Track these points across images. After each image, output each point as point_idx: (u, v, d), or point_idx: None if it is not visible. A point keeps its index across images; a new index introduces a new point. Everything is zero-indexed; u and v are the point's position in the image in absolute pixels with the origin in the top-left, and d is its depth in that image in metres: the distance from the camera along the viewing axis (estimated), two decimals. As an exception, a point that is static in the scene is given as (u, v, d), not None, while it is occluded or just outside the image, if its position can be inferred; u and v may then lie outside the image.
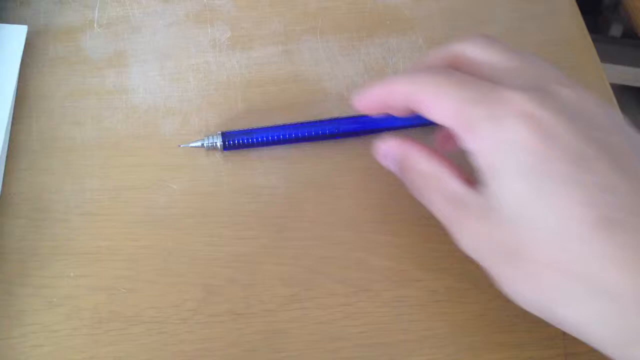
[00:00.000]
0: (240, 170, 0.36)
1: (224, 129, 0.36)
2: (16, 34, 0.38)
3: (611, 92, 0.39)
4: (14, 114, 0.36)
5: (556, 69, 0.29)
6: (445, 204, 0.29)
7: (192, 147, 0.36)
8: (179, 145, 0.36)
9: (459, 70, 0.30)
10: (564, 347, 0.31)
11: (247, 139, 0.35)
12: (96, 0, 0.40)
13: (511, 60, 0.29)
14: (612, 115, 0.28)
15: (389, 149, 0.32)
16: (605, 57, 0.39)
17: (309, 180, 0.35)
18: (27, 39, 0.38)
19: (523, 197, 0.26)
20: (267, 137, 0.35)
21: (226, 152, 0.36)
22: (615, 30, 0.97)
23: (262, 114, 0.37)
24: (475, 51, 0.30)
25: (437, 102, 0.28)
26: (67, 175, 0.35)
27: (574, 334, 0.26)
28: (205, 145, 0.35)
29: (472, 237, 0.28)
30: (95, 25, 0.40)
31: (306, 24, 0.41)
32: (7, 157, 0.35)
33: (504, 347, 0.32)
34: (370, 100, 0.31)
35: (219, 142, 0.35)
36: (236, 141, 0.35)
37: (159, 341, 0.31)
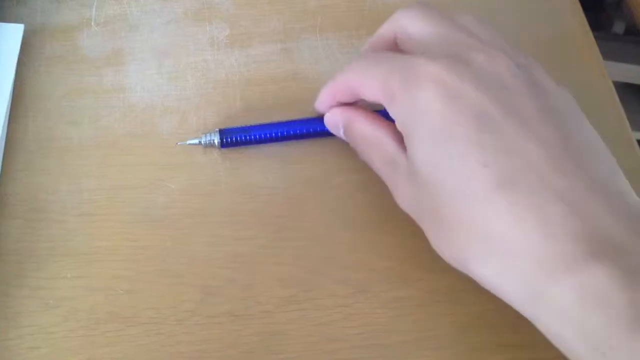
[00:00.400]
0: (238, 169, 0.35)
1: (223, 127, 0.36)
2: (13, 33, 0.37)
3: (614, 89, 0.39)
4: (10, 113, 0.36)
5: (488, 35, 0.30)
6: (383, 165, 0.32)
7: (189, 144, 0.35)
8: (177, 144, 0.35)
9: (400, 46, 0.32)
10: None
11: (245, 136, 0.35)
12: (93, -1, 0.40)
13: (439, 30, 0.31)
14: (532, 79, 0.29)
15: (333, 116, 0.34)
16: (607, 54, 0.39)
17: (308, 180, 0.35)
18: (23, 38, 0.38)
19: (431, 161, 0.28)
20: (265, 134, 0.35)
21: (224, 151, 0.35)
22: (618, 27, 0.96)
23: (261, 113, 0.37)
24: (413, 26, 0.31)
25: (367, 83, 0.31)
26: (64, 175, 0.35)
27: (491, 291, 0.27)
28: (202, 142, 0.35)
29: (404, 196, 0.31)
30: (92, 23, 0.39)
31: (305, 22, 0.40)
32: (3, 157, 0.35)
33: (505, 348, 0.31)
34: (325, 100, 0.34)
35: (216, 140, 0.35)
36: (234, 138, 0.35)
37: (157, 342, 0.31)
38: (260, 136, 0.35)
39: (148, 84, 0.38)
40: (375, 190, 0.34)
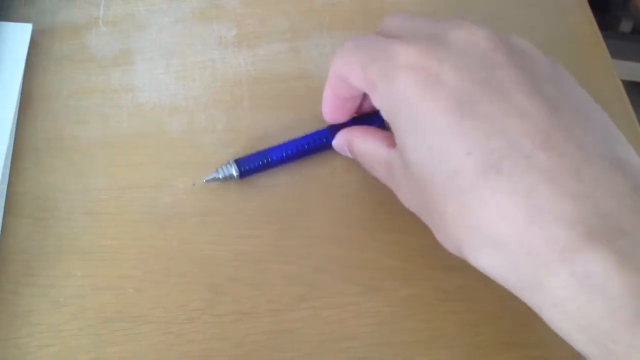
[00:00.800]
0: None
1: (230, 128, 0.36)
2: (21, 33, 0.38)
3: (622, 88, 0.39)
4: (18, 113, 0.36)
5: (465, 22, 0.28)
6: (384, 171, 0.31)
7: (209, 181, 0.34)
8: (194, 184, 0.34)
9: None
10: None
11: (262, 161, 0.34)
12: (101, -2, 0.40)
13: (418, 21, 0.30)
14: (515, 49, 0.27)
15: (338, 140, 0.34)
16: (614, 53, 0.38)
17: (315, 178, 0.35)
18: (32, 38, 0.38)
19: (417, 153, 0.27)
20: (281, 155, 0.34)
21: (231, 152, 0.35)
22: (625, 26, 0.96)
23: (268, 112, 0.37)
24: (393, 22, 0.31)
25: (351, 71, 0.30)
26: (72, 175, 0.35)
27: (493, 279, 0.26)
28: (221, 177, 0.34)
29: (404, 194, 0.30)
30: (100, 23, 0.40)
31: (312, 21, 0.40)
32: (12, 156, 0.35)
33: (515, 346, 0.31)
34: (327, 103, 0.33)
35: (234, 171, 0.34)
36: (251, 166, 0.34)
37: (166, 341, 0.31)
38: (276, 158, 0.34)
39: (156, 83, 0.38)
40: (383, 189, 0.34)
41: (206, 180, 0.34)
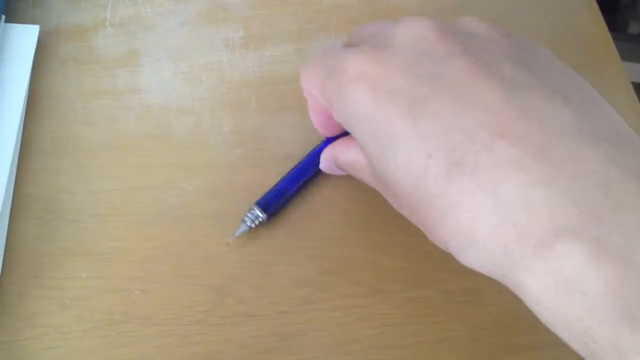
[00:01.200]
0: (252, 170, 0.35)
1: (237, 129, 0.36)
2: (28, 34, 0.38)
3: (632, 90, 0.38)
4: (25, 114, 0.36)
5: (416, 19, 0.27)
6: (368, 177, 0.30)
7: (240, 235, 0.33)
8: (228, 244, 0.33)
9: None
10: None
11: (282, 197, 0.34)
12: (108, 0, 0.40)
13: (375, 27, 0.29)
14: (465, 31, 0.26)
15: (325, 164, 0.33)
16: (623, 55, 0.38)
17: (321, 180, 0.35)
18: (39, 39, 0.38)
19: (382, 165, 0.26)
20: (296, 184, 0.34)
21: (238, 153, 0.35)
22: (634, 28, 0.96)
23: (275, 113, 0.37)
24: (358, 30, 0.30)
25: (313, 87, 0.29)
26: (79, 176, 0.35)
27: None
28: (251, 226, 0.33)
29: (389, 198, 0.29)
30: (107, 24, 0.40)
31: (319, 22, 0.40)
32: (19, 157, 0.35)
33: (524, 349, 0.31)
34: (317, 122, 0.31)
35: (261, 216, 0.33)
36: (275, 205, 0.33)
37: (172, 343, 0.31)
38: (294, 188, 0.34)
39: (163, 85, 0.38)
40: (390, 190, 0.34)
41: (237, 235, 0.33)
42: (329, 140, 0.33)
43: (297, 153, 0.35)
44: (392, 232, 0.33)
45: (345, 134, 0.32)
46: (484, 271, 0.24)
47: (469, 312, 0.32)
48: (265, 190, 0.34)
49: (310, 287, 0.32)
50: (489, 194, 0.22)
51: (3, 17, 0.37)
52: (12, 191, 0.34)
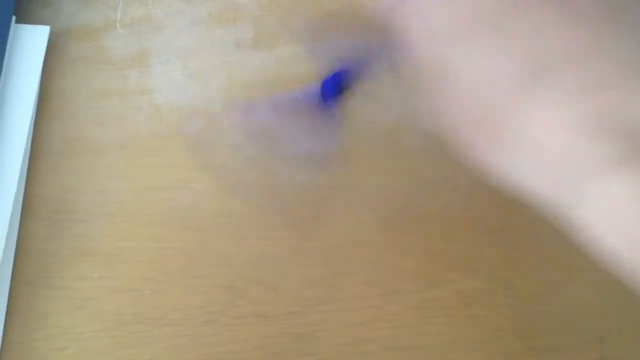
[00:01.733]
0: (264, 169, 0.35)
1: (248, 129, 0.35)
2: (39, 35, 0.38)
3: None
4: (36, 114, 0.36)
5: None
6: None
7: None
8: None
9: None
10: (600, 351, 0.30)
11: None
12: (118, 0, 0.40)
13: None
14: None
15: None
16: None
17: (336, 180, 0.35)
18: (49, 40, 0.38)
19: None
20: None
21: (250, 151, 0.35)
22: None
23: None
24: None
25: None
26: (90, 176, 0.35)
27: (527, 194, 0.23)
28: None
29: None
30: (117, 25, 0.39)
31: (329, 22, 0.40)
32: (29, 158, 0.35)
33: (537, 351, 0.31)
34: None
35: None
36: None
37: (183, 344, 0.31)
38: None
39: (173, 86, 0.38)
40: (404, 191, 0.33)
41: None
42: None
43: (309, 152, 0.35)
44: (407, 233, 0.33)
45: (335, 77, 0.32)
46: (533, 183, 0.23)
47: (483, 314, 0.31)
48: (275, 192, 0.34)
49: (323, 287, 0.32)
50: (562, 110, 0.21)
51: (14, 17, 0.37)
52: (22, 191, 0.34)
